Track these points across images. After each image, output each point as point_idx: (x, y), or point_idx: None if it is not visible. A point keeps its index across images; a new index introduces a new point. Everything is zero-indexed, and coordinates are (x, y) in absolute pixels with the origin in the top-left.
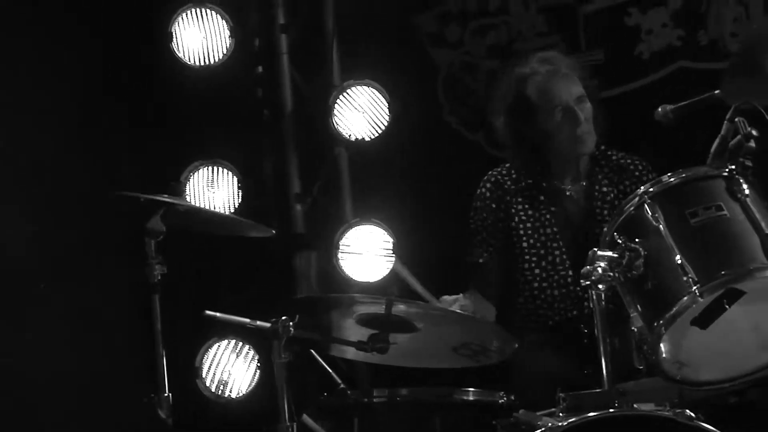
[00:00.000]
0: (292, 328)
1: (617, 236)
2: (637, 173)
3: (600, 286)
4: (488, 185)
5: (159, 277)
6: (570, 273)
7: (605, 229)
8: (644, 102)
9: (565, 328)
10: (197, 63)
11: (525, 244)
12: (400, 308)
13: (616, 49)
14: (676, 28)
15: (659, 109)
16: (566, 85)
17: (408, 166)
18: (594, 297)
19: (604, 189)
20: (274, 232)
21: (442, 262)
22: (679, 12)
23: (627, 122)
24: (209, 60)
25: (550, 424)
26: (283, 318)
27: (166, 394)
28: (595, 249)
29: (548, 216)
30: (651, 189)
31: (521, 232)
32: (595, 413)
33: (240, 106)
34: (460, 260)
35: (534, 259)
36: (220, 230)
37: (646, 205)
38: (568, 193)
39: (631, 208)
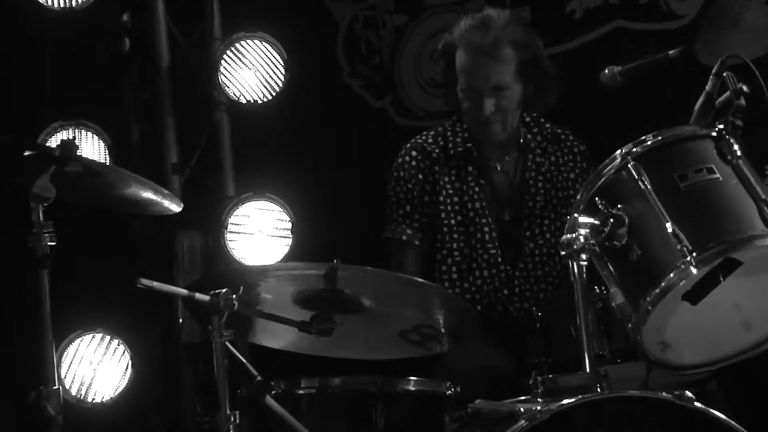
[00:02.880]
0: (235, 302)
1: (597, 201)
2: (569, 143)
3: (583, 256)
4: (413, 153)
5: (47, 250)
6: (499, 252)
7: (579, 194)
8: (576, 65)
9: (495, 312)
10: (56, 5)
11: (453, 221)
12: (346, 279)
13: (545, 5)
14: None
15: (605, 71)
16: (485, 68)
17: (303, 134)
18: (575, 269)
19: (538, 159)
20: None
21: (345, 243)
22: None
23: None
24: (69, 2)
25: (539, 408)
26: (225, 290)
27: (55, 387)
28: (575, 215)
29: (477, 189)
30: (634, 149)
31: (448, 207)
32: (594, 395)
33: (106, 59)
34: (367, 241)
35: (462, 237)
36: (121, 205)
37: (629, 167)
38: (495, 164)
39: (612, 171)
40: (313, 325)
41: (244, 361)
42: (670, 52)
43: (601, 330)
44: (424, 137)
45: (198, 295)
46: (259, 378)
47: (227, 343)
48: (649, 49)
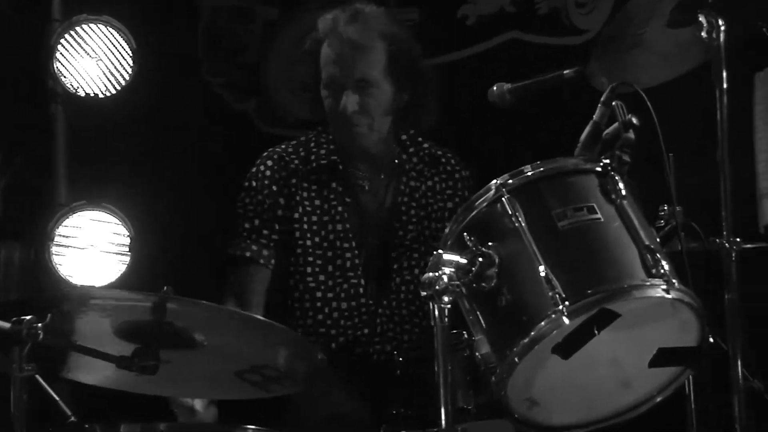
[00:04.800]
0: (40, 332)
1: (466, 236)
2: (449, 168)
3: (445, 299)
4: (269, 162)
5: None
6: (362, 282)
7: (448, 227)
8: (464, 78)
9: (354, 352)
10: None
11: (309, 242)
12: (176, 312)
13: (434, 8)
14: None
15: (494, 88)
16: (350, 58)
17: (151, 136)
18: (436, 313)
19: (412, 183)
20: None
21: (191, 265)
22: None
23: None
24: None
25: None
26: (30, 317)
27: None
28: (440, 251)
29: (340, 209)
30: (510, 181)
31: (305, 226)
32: None
33: None
34: (216, 261)
35: (319, 261)
36: None
37: (503, 201)
38: (363, 183)
39: (484, 204)
40: (134, 362)
41: (57, 398)
42: (565, 72)
43: (467, 381)
44: (284, 146)
45: None
46: (72, 419)
47: (37, 376)
48: (547, 65)
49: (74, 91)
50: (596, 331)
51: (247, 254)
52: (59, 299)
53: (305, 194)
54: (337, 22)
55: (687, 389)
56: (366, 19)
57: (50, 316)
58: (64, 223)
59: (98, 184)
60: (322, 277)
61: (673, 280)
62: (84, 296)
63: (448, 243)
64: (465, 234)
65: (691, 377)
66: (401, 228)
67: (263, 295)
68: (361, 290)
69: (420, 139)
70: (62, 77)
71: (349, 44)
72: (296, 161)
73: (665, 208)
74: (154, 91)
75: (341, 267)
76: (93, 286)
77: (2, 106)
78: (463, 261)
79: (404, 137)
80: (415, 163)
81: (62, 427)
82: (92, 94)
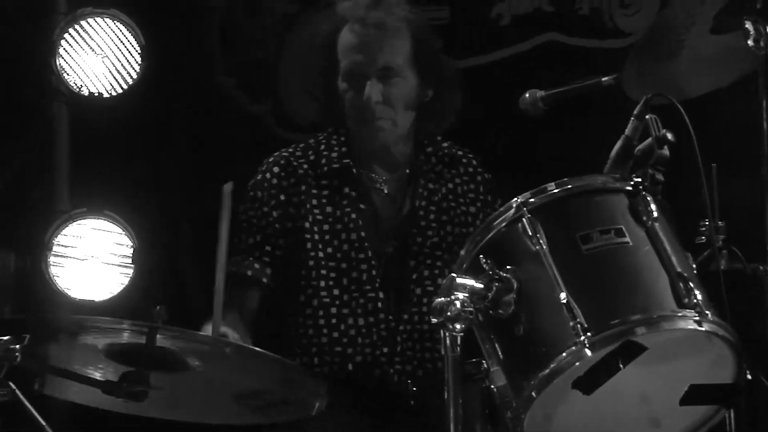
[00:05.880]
0: (17, 354)
1: (482, 259)
2: (471, 169)
3: (457, 326)
4: (275, 169)
5: None
6: (380, 295)
7: (464, 249)
8: (498, 82)
9: (372, 374)
10: None
11: (321, 254)
12: (169, 338)
13: (466, 7)
14: None
15: (526, 95)
16: (374, 44)
17: (160, 140)
18: (447, 341)
19: (431, 186)
20: None
21: (200, 274)
22: None
23: (472, 108)
24: None
25: None
26: (6, 338)
27: None
28: (453, 274)
29: (354, 216)
30: (532, 199)
31: (316, 236)
32: None
33: None
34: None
35: (332, 274)
36: None
37: (524, 221)
38: (380, 187)
39: (503, 224)
40: (122, 387)
41: (41, 419)
42: (604, 79)
43: (485, 414)
44: (291, 150)
45: None
46: None
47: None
48: (588, 70)
49: (78, 89)
50: (621, 365)
51: (249, 273)
52: (50, 326)
53: (315, 201)
54: (359, 6)
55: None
56: (389, 4)
57: (27, 338)
58: (64, 232)
59: (101, 191)
60: (336, 291)
61: (707, 311)
62: (75, 325)
63: (463, 266)
64: (481, 256)
65: (732, 417)
66: (420, 234)
67: (270, 315)
68: (380, 304)
69: (439, 138)
70: (65, 75)
71: (373, 28)
72: (305, 166)
73: (706, 223)
74: (164, 92)
75: (357, 280)
76: (91, 301)
77: None
78: (479, 285)
79: (422, 136)
80: (433, 164)
81: None
82: (97, 94)
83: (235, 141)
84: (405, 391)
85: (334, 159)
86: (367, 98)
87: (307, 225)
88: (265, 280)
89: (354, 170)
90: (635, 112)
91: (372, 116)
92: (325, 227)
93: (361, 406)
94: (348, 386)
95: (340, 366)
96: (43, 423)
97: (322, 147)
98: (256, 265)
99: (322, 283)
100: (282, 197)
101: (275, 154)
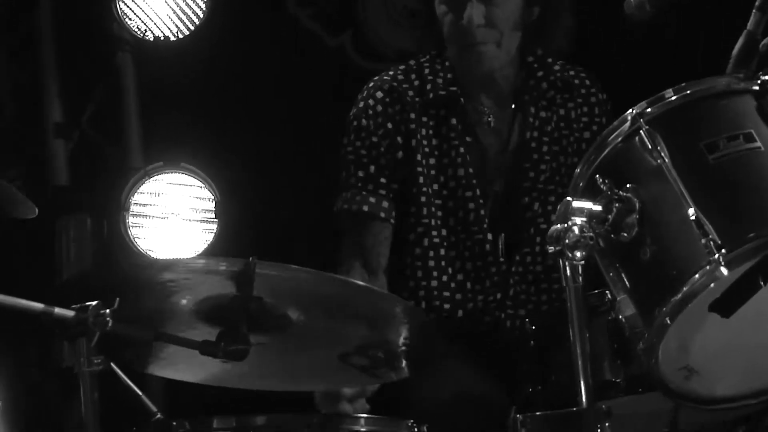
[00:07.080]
0: (109, 319)
1: (599, 179)
2: (584, 90)
3: (577, 254)
4: (379, 94)
5: None
6: (489, 237)
7: (578, 169)
8: None
9: (482, 321)
10: None
11: (429, 190)
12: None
13: None
14: None
15: None
16: None
17: (231, 83)
18: (567, 271)
19: (543, 114)
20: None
21: (287, 227)
22: None
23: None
24: None
25: None
26: (95, 303)
27: None
28: (569, 198)
29: (462, 150)
30: (649, 109)
31: (424, 170)
32: None
33: None
34: (314, 226)
35: (440, 213)
36: None
37: (642, 134)
38: (488, 118)
39: (619, 139)
40: (220, 347)
41: (140, 393)
42: None
43: (614, 349)
44: (392, 74)
45: (58, 311)
46: (159, 416)
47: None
48: None
49: (142, 35)
50: (762, 283)
51: (365, 208)
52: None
53: (423, 132)
54: None
55: None
56: None
57: (117, 300)
58: (140, 190)
59: (175, 143)
60: (444, 232)
61: None
62: (155, 268)
63: (579, 188)
64: (597, 176)
65: None
66: (532, 169)
67: (385, 256)
68: (488, 246)
69: (549, 60)
70: (127, 20)
71: None
72: (410, 92)
73: None
74: (234, 30)
75: (463, 220)
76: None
77: (63, 59)
78: (597, 208)
79: (530, 59)
80: (545, 90)
81: (147, 426)
82: (162, 38)
83: (315, 76)
84: (522, 333)
85: (440, 86)
86: (468, 21)
87: (418, 157)
88: (383, 215)
89: (461, 99)
90: (758, 3)
91: (474, 40)
92: (431, 161)
93: (474, 354)
94: (459, 335)
95: (449, 313)
96: (140, 392)
97: (427, 71)
98: (371, 199)
99: (433, 222)
100: (390, 125)
101: (374, 78)
